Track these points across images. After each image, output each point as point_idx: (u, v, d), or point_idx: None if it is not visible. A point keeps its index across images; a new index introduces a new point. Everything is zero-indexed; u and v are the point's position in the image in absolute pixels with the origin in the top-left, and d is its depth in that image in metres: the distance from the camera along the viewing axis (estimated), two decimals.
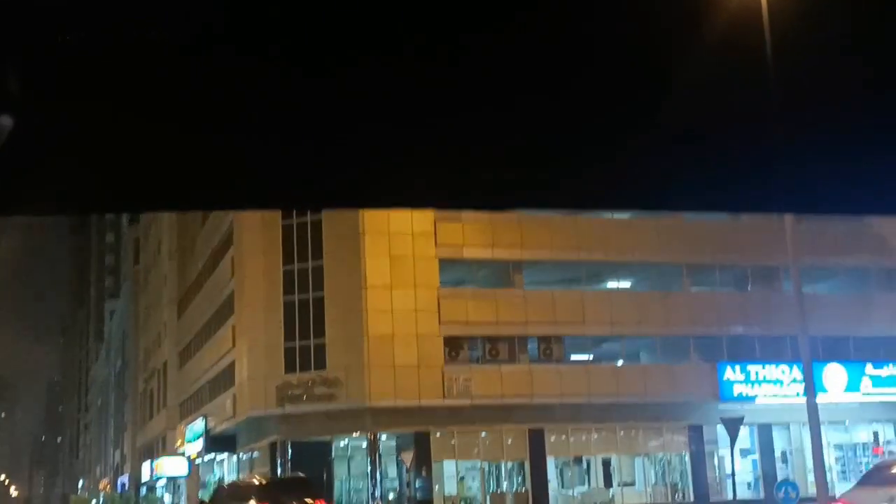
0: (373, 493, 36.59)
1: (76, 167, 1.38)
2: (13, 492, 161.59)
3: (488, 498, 37.46)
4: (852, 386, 38.68)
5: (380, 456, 37.29)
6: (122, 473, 77.44)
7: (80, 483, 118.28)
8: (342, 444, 39.77)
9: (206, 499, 29.26)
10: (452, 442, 37.14)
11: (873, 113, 1.64)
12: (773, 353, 38.80)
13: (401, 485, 37.63)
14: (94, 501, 68.41)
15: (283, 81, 1.40)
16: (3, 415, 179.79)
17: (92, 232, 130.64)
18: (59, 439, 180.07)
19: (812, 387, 29.19)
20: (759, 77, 1.54)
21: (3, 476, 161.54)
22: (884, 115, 1.65)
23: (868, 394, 39.02)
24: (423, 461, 36.09)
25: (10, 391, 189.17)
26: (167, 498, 56.23)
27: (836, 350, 38.25)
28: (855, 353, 39.59)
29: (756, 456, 40.10)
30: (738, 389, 38.03)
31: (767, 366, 38.47)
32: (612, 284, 41.13)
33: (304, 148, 1.46)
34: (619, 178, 1.60)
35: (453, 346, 36.89)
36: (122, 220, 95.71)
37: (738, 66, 1.55)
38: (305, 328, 36.89)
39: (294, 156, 1.47)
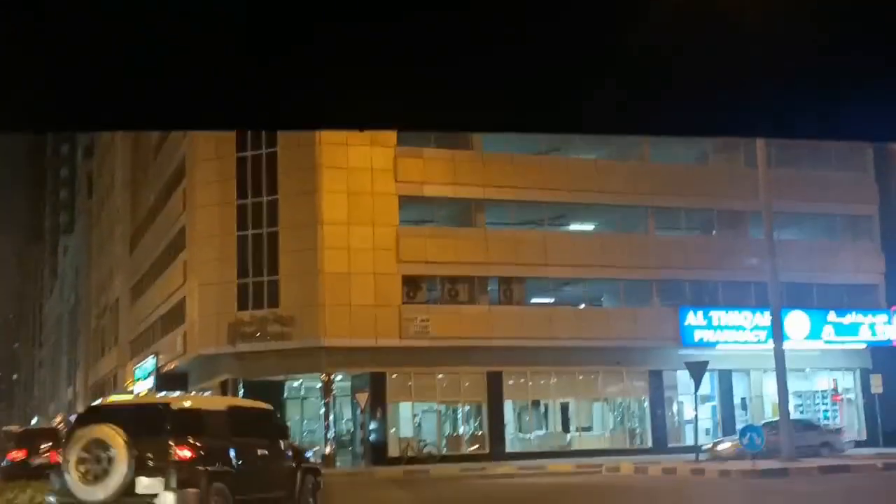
0: (326, 435, 35.80)
1: (29, 82, 1.34)
2: None
3: (444, 440, 36.83)
4: (814, 333, 38.35)
5: (334, 397, 36.47)
6: (74, 411, 76.30)
7: (35, 420, 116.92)
8: (296, 383, 38.89)
9: None
10: (409, 383, 36.38)
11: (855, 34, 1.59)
12: (736, 298, 38.32)
13: (355, 426, 36.87)
14: None
15: None
16: None
17: (46, 166, 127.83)
18: (14, 377, 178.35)
19: (780, 333, 28.73)
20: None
21: None
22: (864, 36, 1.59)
23: (830, 341, 38.74)
24: (379, 402, 35.33)
25: None
26: None
27: (799, 297, 37.83)
28: (818, 300, 39.20)
29: (715, 402, 39.77)
30: (699, 335, 37.52)
31: (730, 311, 37.98)
32: (575, 226, 40.31)
33: (257, 62, 1.40)
34: (591, 100, 1.54)
35: (411, 285, 35.96)
36: (76, 153, 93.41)
37: None
38: (259, 264, 35.77)
39: (248, 71, 1.41)
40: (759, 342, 37.07)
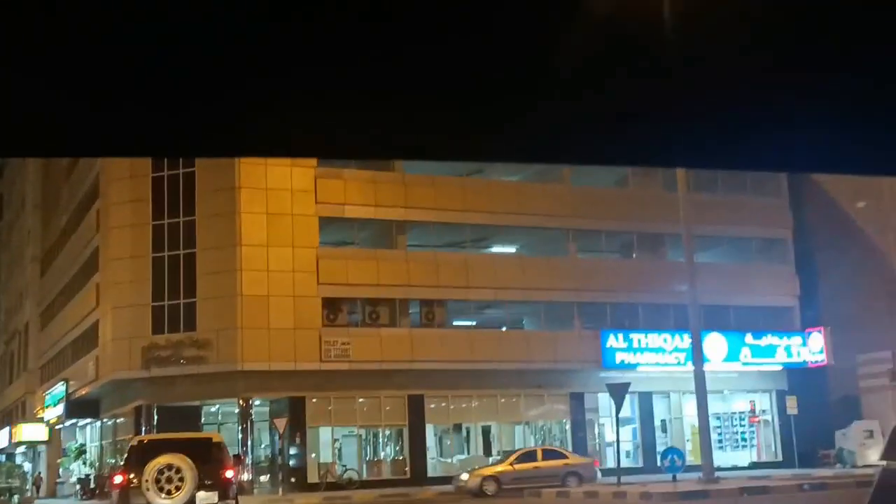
0: (244, 461, 34.93)
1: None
2: None
3: (364, 465, 36.27)
4: (732, 355, 38.78)
5: (252, 422, 35.68)
6: None
7: None
8: (213, 409, 38.00)
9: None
10: (329, 408, 35.78)
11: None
12: (656, 320, 38.59)
13: (273, 452, 36.08)
14: None
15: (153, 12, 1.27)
16: None
17: None
18: None
19: (700, 356, 28.92)
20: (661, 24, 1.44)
21: None
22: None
23: (747, 363, 39.20)
24: (298, 427, 34.67)
25: None
26: (27, 466, 53.28)
27: (717, 319, 38.25)
28: (735, 322, 39.69)
29: (636, 424, 39.92)
30: (620, 357, 37.66)
31: (650, 334, 38.22)
32: (497, 248, 40.26)
33: (178, 89, 1.34)
34: (514, 129, 1.52)
35: (332, 308, 35.44)
36: None
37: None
38: (175, 287, 34.90)
39: (166, 96, 1.35)
40: (678, 364, 37.35)
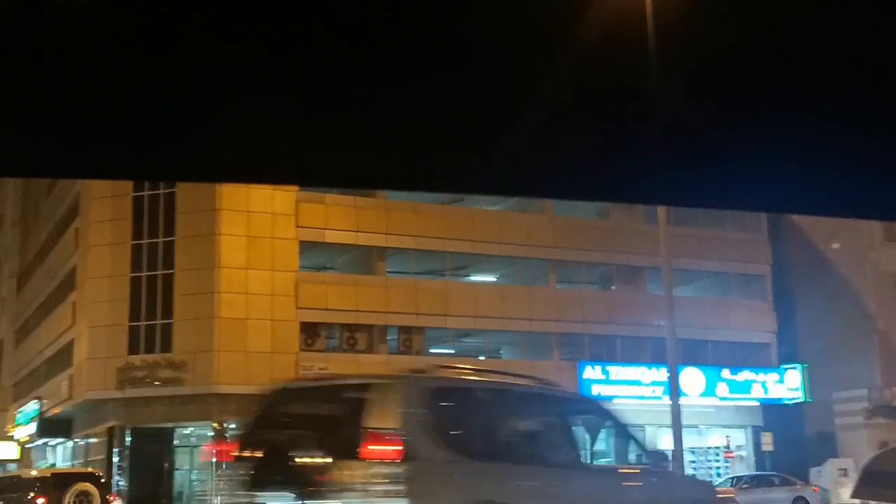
0: (217, 486, 34.60)
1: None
2: None
3: None
4: (709, 390, 38.83)
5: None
6: None
7: None
8: (187, 431, 37.64)
9: None
10: None
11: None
12: (633, 353, 38.64)
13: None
14: None
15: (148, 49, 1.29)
16: None
17: None
18: None
19: (676, 389, 28.91)
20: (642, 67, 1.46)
21: None
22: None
23: (724, 398, 39.26)
24: None
25: None
26: None
27: (695, 353, 38.33)
28: (712, 357, 39.77)
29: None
30: (597, 389, 37.60)
31: (627, 366, 38.24)
32: (477, 277, 40.25)
33: (160, 115, 1.35)
34: (495, 165, 1.54)
35: (310, 332, 35.32)
36: None
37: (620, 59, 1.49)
38: (152, 307, 34.72)
39: (151, 121, 1.35)
40: (655, 398, 37.35)
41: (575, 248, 38.75)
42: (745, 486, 30.41)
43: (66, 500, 22.52)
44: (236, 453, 9.10)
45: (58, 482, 23.70)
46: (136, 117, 1.41)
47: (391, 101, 1.46)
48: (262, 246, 34.82)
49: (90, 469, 30.34)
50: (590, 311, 38.80)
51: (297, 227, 35.38)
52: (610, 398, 37.34)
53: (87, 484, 23.92)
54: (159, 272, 34.82)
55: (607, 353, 38.89)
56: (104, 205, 36.01)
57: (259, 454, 8.72)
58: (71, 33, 1.30)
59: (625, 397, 37.76)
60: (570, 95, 1.51)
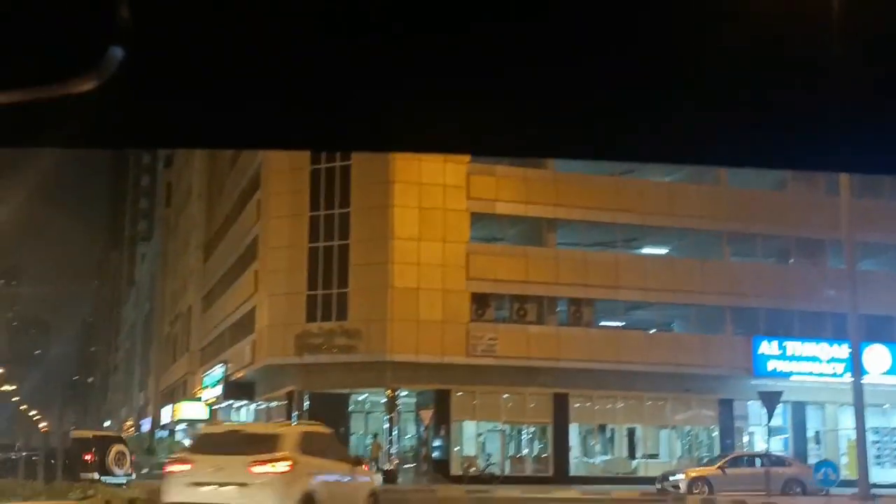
0: (389, 450, 35.64)
1: (184, 100, 1.36)
2: (41, 427, 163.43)
3: (507, 461, 36.41)
4: (894, 368, 37.10)
5: (399, 412, 36.32)
6: (146, 416, 77.47)
7: (107, 423, 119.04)
8: (361, 397, 38.87)
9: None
10: (474, 402, 36.09)
11: None
12: (811, 329, 37.32)
13: (418, 443, 36.66)
14: None
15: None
16: (39, 352, 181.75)
17: (129, 175, 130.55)
18: (90, 379, 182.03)
19: (859, 367, 27.81)
20: (817, 25, 1.43)
21: (34, 412, 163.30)
22: None
23: None
24: (443, 420, 35.09)
25: (47, 330, 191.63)
26: (186, 443, 55.77)
27: (879, 330, 36.62)
28: None
29: (788, 435, 38.71)
30: (772, 365, 36.60)
31: (806, 342, 36.98)
32: (648, 249, 39.70)
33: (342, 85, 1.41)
34: (662, 131, 1.54)
35: (480, 303, 35.73)
36: (157, 163, 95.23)
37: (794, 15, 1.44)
38: (329, 277, 35.87)
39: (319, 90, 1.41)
40: (835, 375, 36.01)
41: (751, 220, 37.63)
42: (726, 465, 28.29)
43: (109, 458, 26.37)
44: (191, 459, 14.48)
45: (100, 443, 27.38)
46: (317, 93, 1.47)
47: (564, 76, 1.50)
48: (434, 217, 35.39)
49: (121, 434, 38.76)
50: (765, 284, 37.64)
51: (468, 198, 35.79)
52: (786, 374, 36.30)
53: (122, 445, 28.24)
54: (335, 243, 35.93)
55: (784, 328, 37.69)
56: (283, 177, 37.39)
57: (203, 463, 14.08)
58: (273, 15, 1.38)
59: (802, 374, 36.65)
60: (749, 62, 1.51)
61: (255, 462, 13.54)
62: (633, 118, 1.54)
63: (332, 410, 36.56)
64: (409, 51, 1.42)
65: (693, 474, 28.55)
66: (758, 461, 29.43)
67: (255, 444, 14.21)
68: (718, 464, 29.15)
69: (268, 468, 13.55)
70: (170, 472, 14.67)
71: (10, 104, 1.22)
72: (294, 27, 1.37)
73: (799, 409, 38.20)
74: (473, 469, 34.88)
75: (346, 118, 1.49)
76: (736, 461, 29.25)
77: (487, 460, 36.06)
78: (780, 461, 29.42)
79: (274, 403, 40.65)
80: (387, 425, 36.08)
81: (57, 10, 1.20)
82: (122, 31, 1.20)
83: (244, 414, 46.94)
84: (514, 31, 1.43)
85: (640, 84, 1.49)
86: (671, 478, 29.24)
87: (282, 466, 13.61)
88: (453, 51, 1.42)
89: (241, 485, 13.59)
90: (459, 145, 1.66)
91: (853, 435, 32.96)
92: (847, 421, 37.29)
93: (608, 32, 1.45)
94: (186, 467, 14.20)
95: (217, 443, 14.85)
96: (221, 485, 13.68)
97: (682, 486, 27.59)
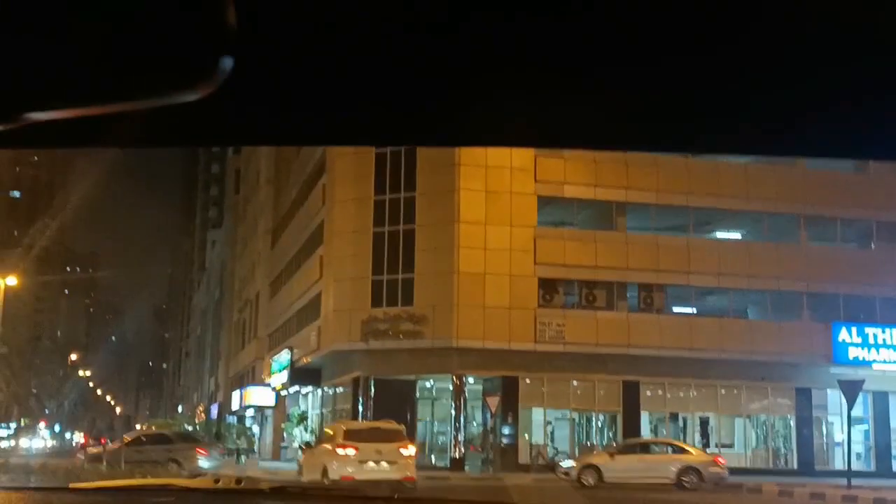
0: (456, 438, 35.18)
1: (283, 102, 1.46)
2: (118, 412, 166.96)
3: (577, 449, 35.71)
4: None
5: (465, 399, 35.81)
6: (215, 401, 78.23)
7: (180, 408, 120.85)
8: (427, 384, 38.45)
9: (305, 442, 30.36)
10: (542, 389, 35.46)
11: None
12: (894, 315, 35.88)
13: (485, 430, 36.13)
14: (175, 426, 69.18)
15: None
16: (114, 338, 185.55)
17: (199, 162, 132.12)
18: (164, 365, 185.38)
19: None
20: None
21: (109, 397, 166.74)
22: None
23: None
24: (510, 407, 34.51)
25: (122, 316, 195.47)
26: (255, 428, 56.09)
27: None
28: None
29: (869, 426, 37.36)
30: (853, 353, 35.32)
31: (888, 329, 35.59)
32: (721, 234, 38.58)
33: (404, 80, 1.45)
34: (733, 119, 1.52)
35: (548, 288, 35.03)
36: (227, 150, 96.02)
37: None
38: (394, 261, 35.48)
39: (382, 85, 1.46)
40: None
41: (829, 203, 36.32)
42: (616, 453, 27.49)
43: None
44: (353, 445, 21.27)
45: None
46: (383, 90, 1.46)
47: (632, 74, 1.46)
48: (501, 201, 34.77)
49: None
50: (845, 269, 36.29)
51: (536, 181, 35.09)
52: (867, 363, 35.00)
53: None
54: (401, 227, 35.51)
55: (865, 314, 36.31)
56: (348, 161, 37.08)
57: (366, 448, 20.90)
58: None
59: (885, 362, 35.30)
60: (829, 50, 1.41)
61: (401, 446, 21.49)
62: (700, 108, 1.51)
63: (397, 397, 36.29)
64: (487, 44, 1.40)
65: (583, 462, 27.96)
66: (655, 448, 28.77)
67: (390, 435, 21.84)
68: (609, 451, 28.40)
69: (410, 450, 21.69)
70: (337, 454, 21.21)
71: (123, 112, 1.31)
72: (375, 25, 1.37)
73: (881, 399, 36.81)
74: (542, 457, 34.26)
75: (433, 114, 1.51)
76: (631, 448, 28.46)
77: (556, 449, 35.40)
78: (679, 449, 28.46)
79: (340, 389, 40.46)
80: (453, 412, 35.60)
81: (167, 21, 1.27)
82: (228, 40, 1.25)
83: (311, 400, 46.88)
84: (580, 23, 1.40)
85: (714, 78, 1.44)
86: (562, 464, 28.62)
87: (412, 449, 22.24)
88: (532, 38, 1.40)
89: (392, 462, 21.01)
90: (530, 138, 1.66)
91: None
92: None
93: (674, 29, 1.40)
94: (352, 451, 21.09)
95: (364, 436, 21.75)
96: (379, 462, 20.91)
97: (573, 474, 27.05)
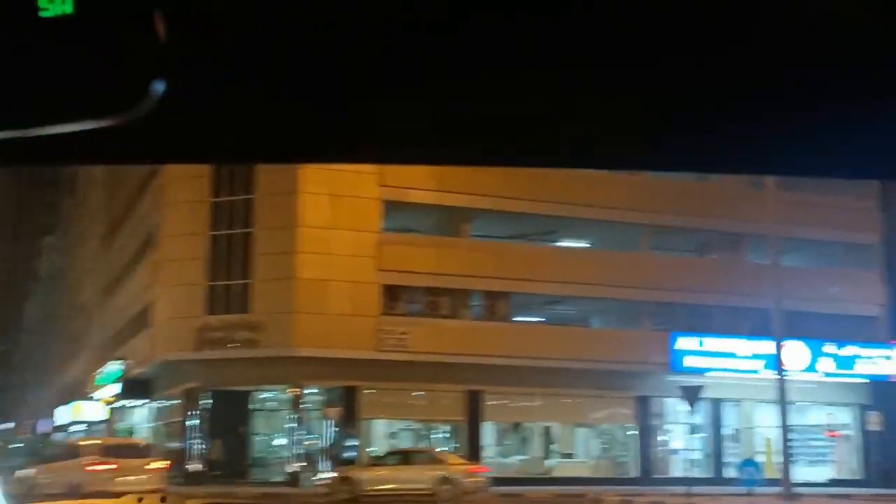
0: (294, 451, 33.82)
1: (219, 122, 1.51)
2: None
3: None
4: (811, 365, 36.57)
5: (305, 410, 34.50)
6: (46, 416, 74.10)
7: (12, 424, 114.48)
8: (264, 395, 36.93)
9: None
10: (384, 399, 34.50)
11: None
12: (730, 324, 36.59)
13: (325, 442, 34.89)
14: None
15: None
16: None
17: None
18: None
19: (782, 364, 27.02)
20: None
21: None
22: None
23: (828, 374, 36.94)
24: (351, 418, 33.44)
25: None
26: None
27: (796, 326, 35.96)
28: (815, 330, 37.35)
29: (705, 433, 37.92)
30: (689, 361, 35.75)
31: (724, 338, 36.22)
32: (567, 242, 38.56)
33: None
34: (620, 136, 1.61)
35: (391, 296, 34.17)
36: None
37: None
38: (231, 267, 33.95)
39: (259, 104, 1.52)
40: (752, 371, 35.33)
41: (671, 212, 36.69)
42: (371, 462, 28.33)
43: None
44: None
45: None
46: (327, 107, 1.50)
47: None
48: (345, 205, 33.74)
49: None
50: (685, 279, 36.79)
51: (381, 185, 34.18)
52: (703, 371, 35.49)
53: None
54: (238, 231, 34.01)
55: (703, 323, 36.85)
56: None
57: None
58: None
59: (720, 370, 35.88)
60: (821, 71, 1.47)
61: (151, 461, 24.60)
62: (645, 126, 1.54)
63: (233, 409, 34.78)
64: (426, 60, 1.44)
65: (340, 474, 27.94)
66: (417, 457, 28.57)
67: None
68: (368, 462, 28.57)
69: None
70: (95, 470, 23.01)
71: (58, 134, 1.33)
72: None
73: (715, 407, 37.44)
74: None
75: (363, 131, 1.51)
76: (391, 459, 28.49)
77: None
78: (436, 459, 28.20)
79: (173, 402, 38.44)
80: (291, 424, 34.24)
81: (101, 46, 1.29)
82: (161, 64, 1.29)
83: (142, 413, 44.53)
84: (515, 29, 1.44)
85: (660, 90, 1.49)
86: (321, 476, 28.53)
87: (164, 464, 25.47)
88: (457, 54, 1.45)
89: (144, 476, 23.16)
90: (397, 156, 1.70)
91: (769, 433, 32.35)
92: (764, 418, 36.77)
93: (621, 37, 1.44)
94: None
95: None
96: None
97: (329, 487, 27.01)
